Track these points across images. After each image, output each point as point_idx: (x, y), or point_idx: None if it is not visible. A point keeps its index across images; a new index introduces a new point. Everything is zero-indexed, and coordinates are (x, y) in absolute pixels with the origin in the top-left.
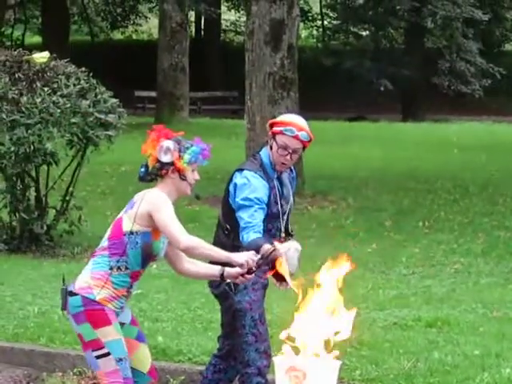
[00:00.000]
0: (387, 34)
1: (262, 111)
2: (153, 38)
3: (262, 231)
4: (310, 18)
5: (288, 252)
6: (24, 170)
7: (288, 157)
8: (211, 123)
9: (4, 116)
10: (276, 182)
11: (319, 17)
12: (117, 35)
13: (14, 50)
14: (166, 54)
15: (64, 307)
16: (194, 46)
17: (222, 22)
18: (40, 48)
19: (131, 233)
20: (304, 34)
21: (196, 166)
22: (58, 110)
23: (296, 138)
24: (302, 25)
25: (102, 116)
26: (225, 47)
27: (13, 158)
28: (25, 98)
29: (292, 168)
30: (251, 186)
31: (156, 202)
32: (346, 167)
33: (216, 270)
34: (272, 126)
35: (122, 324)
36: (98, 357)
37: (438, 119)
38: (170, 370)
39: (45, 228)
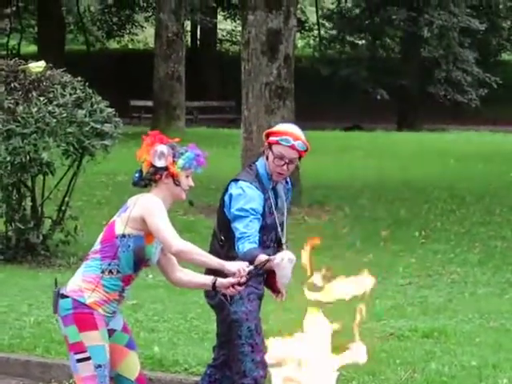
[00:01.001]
0: (383, 43)
1: (259, 121)
2: (149, 48)
3: (257, 241)
4: (307, 27)
5: (282, 262)
6: (20, 180)
7: (284, 167)
8: (207, 132)
9: (0, 125)
10: (271, 193)
11: (316, 26)
12: (113, 44)
13: (10, 60)
14: (162, 63)
15: (55, 310)
16: (190, 55)
17: (218, 31)
18: (36, 57)
19: (123, 236)
20: (300, 43)
21: (190, 172)
22: (54, 120)
23: (292, 147)
24: (298, 35)
25: (98, 126)
26: (221, 57)
27: (8, 167)
28: (21, 108)
29: (288, 179)
30: (246, 197)
31: (149, 206)
32: (342, 177)
33: (208, 279)
34: (268, 135)
35: (113, 330)
36: (78, 360)
37: (434, 129)
38: (166, 381)
39: (41, 238)
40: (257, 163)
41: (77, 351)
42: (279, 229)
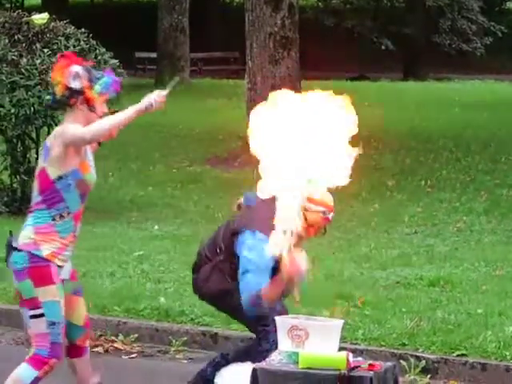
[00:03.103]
0: None
1: (263, 71)
2: None
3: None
4: None
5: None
6: (24, 132)
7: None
8: (212, 84)
9: (4, 78)
10: None
11: None
12: None
13: (13, 12)
14: (166, 14)
15: (7, 263)
16: (194, 6)
17: None
18: (39, 9)
19: (60, 177)
20: None
21: (105, 99)
22: None
23: (327, 220)
24: None
25: None
26: (225, 7)
27: (13, 119)
28: (24, 60)
29: None
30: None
31: (63, 130)
32: None
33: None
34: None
35: (62, 280)
36: (31, 316)
37: (439, 78)
38: (173, 331)
39: None
40: None
41: (31, 307)
42: None
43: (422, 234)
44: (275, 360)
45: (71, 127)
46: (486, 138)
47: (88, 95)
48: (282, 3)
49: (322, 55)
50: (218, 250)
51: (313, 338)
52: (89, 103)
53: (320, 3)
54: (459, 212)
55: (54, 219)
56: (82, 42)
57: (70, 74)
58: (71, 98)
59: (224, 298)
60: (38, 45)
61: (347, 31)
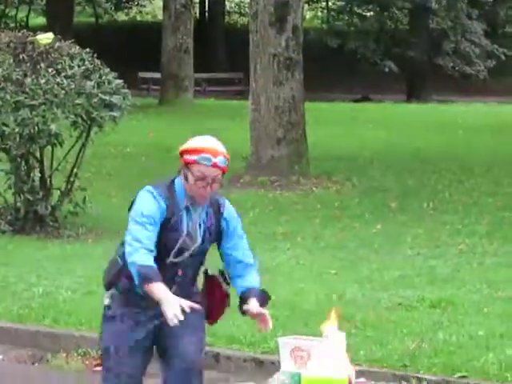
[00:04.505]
0: (392, 14)
1: (267, 92)
2: (157, 20)
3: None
4: None
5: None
6: (28, 151)
7: (208, 188)
8: (216, 104)
9: (8, 97)
10: (184, 213)
11: None
12: (121, 16)
13: (18, 32)
14: (170, 35)
15: None
16: (198, 27)
17: (227, 3)
18: (44, 29)
19: None
20: (309, 15)
21: None
22: (63, 91)
23: (214, 165)
24: (306, 6)
25: (107, 97)
26: (229, 28)
27: (17, 139)
28: (29, 79)
29: (222, 206)
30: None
31: None
32: (350, 148)
33: None
34: (183, 154)
35: None
36: None
37: (442, 100)
38: None
39: (49, 209)
40: (175, 180)
41: None
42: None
43: (424, 256)
44: (278, 380)
45: None
46: (489, 160)
47: None
48: (287, 25)
49: (326, 77)
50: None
51: (315, 359)
52: None
53: (324, 25)
54: (462, 234)
55: None
56: (86, 62)
57: None
58: None
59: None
60: (42, 64)
61: (351, 53)
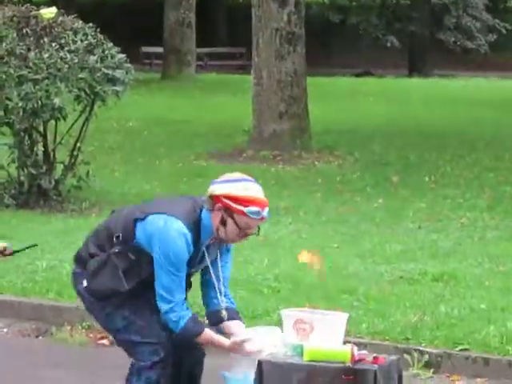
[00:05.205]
0: None
1: (269, 67)
2: None
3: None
4: None
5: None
6: (32, 126)
7: (246, 237)
8: (218, 79)
9: (12, 71)
10: (204, 250)
11: None
12: None
13: (22, 6)
14: (172, 9)
15: None
16: (200, 1)
17: None
18: (47, 3)
19: None
20: None
21: None
22: (66, 66)
23: (262, 219)
24: None
25: (110, 71)
26: (231, 3)
27: (21, 113)
28: (32, 54)
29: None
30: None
31: None
32: (352, 122)
33: None
34: (225, 197)
35: None
36: None
37: (444, 75)
38: None
39: (53, 183)
40: (202, 215)
41: None
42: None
43: (425, 230)
44: (280, 352)
45: None
46: (490, 135)
47: None
48: None
49: (328, 51)
50: (115, 240)
51: (318, 332)
52: None
53: (326, 0)
54: (463, 208)
55: None
56: (89, 37)
57: None
58: None
59: (109, 298)
60: (46, 39)
61: (352, 28)
